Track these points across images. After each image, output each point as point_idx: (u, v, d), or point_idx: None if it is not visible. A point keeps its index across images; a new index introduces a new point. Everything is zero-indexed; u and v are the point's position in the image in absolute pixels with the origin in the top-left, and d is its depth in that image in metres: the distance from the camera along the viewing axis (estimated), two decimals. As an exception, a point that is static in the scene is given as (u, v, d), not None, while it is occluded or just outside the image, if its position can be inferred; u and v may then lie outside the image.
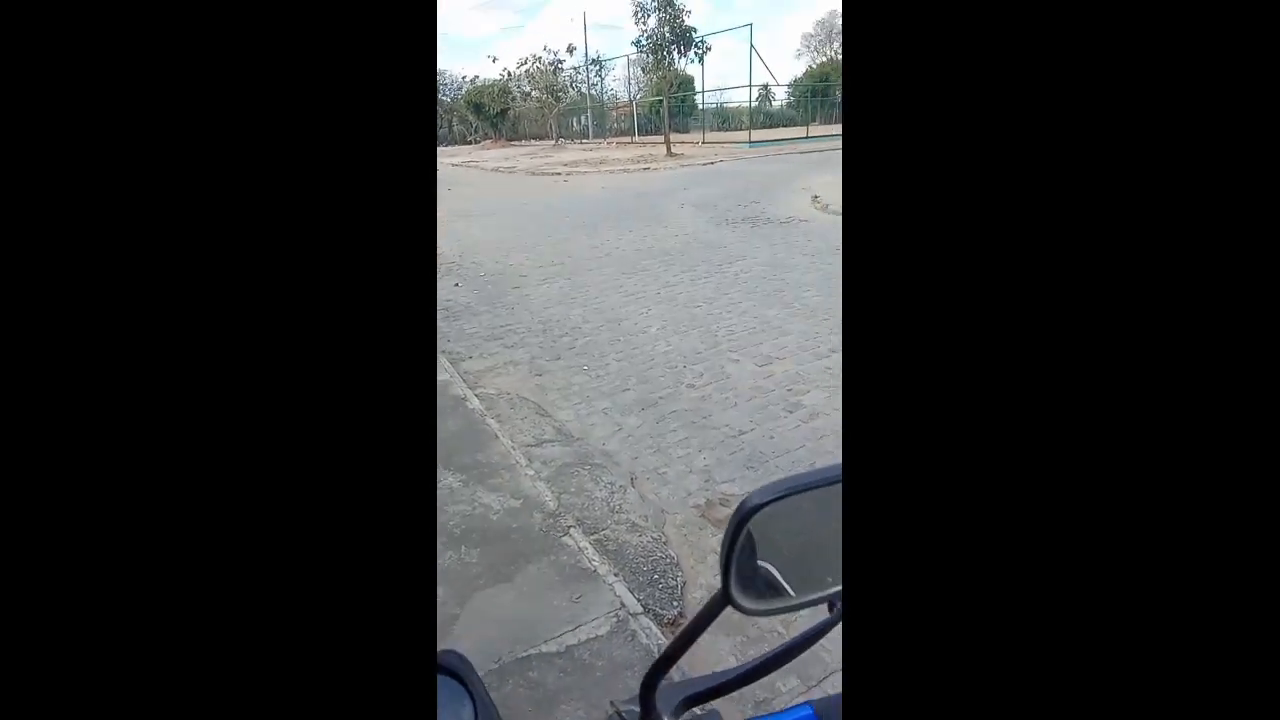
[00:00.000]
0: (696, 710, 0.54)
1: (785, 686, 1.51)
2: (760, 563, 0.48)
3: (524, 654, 1.64)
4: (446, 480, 2.41)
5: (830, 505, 0.50)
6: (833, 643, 0.49)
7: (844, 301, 0.36)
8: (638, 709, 0.52)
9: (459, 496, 2.31)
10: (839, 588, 0.50)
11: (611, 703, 0.57)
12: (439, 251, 6.42)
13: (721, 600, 0.47)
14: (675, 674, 0.54)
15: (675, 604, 1.83)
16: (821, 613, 0.53)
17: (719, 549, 0.47)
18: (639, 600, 1.81)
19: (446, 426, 2.81)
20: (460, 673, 0.53)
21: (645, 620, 1.73)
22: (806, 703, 0.53)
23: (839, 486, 0.48)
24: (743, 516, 0.45)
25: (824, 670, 1.54)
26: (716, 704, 0.55)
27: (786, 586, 0.49)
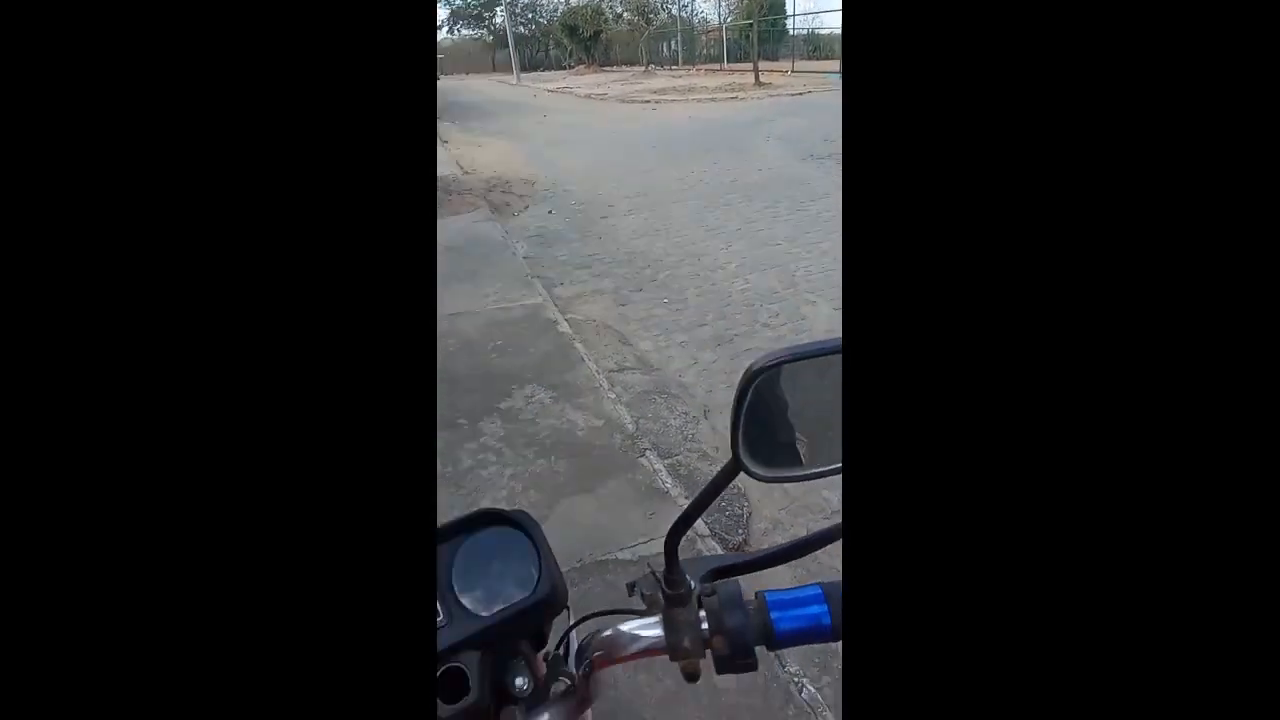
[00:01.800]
0: (720, 581, 0.55)
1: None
2: (778, 431, 0.46)
3: (602, 557, 1.78)
4: (539, 396, 2.55)
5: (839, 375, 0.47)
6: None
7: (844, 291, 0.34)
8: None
9: (550, 411, 2.45)
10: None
11: (648, 564, 0.60)
12: (536, 178, 6.46)
13: (733, 466, 0.45)
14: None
15: (740, 531, 1.92)
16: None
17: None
18: (706, 524, 1.91)
19: (540, 346, 2.94)
20: (529, 529, 0.58)
21: (712, 543, 1.83)
22: (815, 584, 0.53)
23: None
24: (748, 381, 0.43)
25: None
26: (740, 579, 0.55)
27: (803, 456, 0.47)
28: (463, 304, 3.44)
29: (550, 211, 5.31)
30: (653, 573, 0.55)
